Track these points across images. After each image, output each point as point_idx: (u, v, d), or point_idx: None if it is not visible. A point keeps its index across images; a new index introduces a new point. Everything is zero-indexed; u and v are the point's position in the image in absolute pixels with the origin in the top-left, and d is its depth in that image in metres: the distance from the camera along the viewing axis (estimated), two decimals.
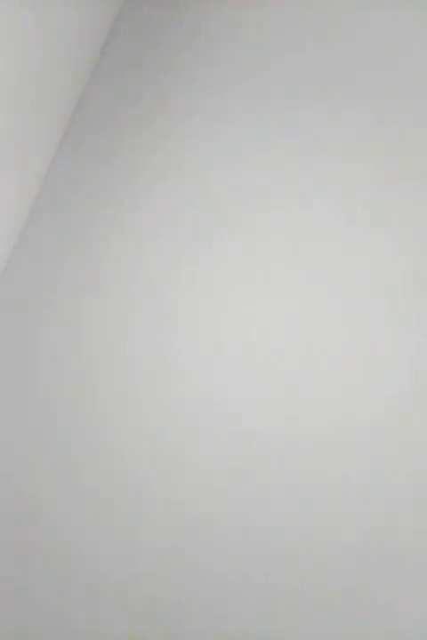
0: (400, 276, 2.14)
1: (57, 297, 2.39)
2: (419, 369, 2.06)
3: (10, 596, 2.22)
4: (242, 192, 2.33)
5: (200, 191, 2.37)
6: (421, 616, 1.92)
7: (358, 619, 1.96)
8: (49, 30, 2.39)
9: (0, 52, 2.25)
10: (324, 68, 2.36)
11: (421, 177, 2.19)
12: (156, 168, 2.43)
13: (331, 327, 2.15)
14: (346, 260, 2.19)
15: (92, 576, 2.16)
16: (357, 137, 2.28)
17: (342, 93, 2.32)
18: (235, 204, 2.32)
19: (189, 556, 2.11)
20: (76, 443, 2.26)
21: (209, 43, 2.50)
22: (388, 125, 2.25)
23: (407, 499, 1.99)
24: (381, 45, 2.32)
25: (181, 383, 2.22)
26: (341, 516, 2.02)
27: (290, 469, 2.08)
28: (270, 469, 2.10)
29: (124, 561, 2.15)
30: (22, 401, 2.34)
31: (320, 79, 2.35)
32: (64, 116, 2.54)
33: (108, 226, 2.42)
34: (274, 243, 2.26)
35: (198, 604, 2.08)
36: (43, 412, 2.31)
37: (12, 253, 2.48)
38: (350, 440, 2.06)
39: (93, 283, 2.38)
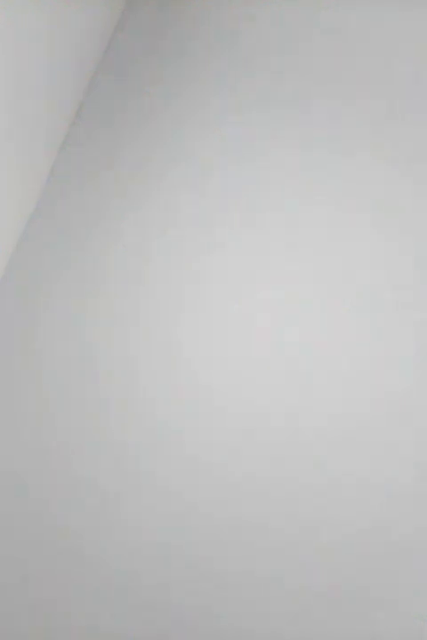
0: (402, 270, 2.14)
1: (61, 291, 2.40)
2: (420, 366, 2.07)
3: (10, 590, 2.22)
4: (246, 187, 2.33)
5: (204, 187, 2.37)
6: (421, 611, 1.92)
7: (358, 613, 1.97)
8: (55, 25, 2.39)
9: (6, 48, 2.26)
10: (327, 64, 2.36)
11: (422, 172, 2.19)
12: (159, 164, 2.43)
13: (332, 321, 2.16)
14: (348, 254, 2.20)
15: (92, 568, 2.17)
16: (359, 133, 2.28)
17: (345, 90, 2.33)
18: (238, 200, 2.32)
19: (189, 549, 2.11)
20: (78, 437, 2.26)
21: (213, 39, 2.50)
22: (390, 122, 2.25)
23: (408, 494, 1.99)
24: (384, 43, 2.32)
25: (184, 378, 2.22)
26: (341, 511, 2.03)
27: (292, 463, 2.09)
28: (272, 463, 2.10)
29: (124, 553, 2.16)
30: (25, 396, 2.34)
31: (323, 76, 2.35)
32: (68, 112, 2.54)
33: (112, 221, 2.42)
34: (278, 238, 2.26)
35: (199, 598, 2.08)
36: (45, 408, 2.31)
37: (16, 247, 2.48)
38: (351, 434, 2.06)
39: (97, 277, 2.38)
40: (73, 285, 2.39)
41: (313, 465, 2.07)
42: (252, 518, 2.09)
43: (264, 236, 2.27)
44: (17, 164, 2.41)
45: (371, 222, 2.20)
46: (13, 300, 2.44)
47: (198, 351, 2.23)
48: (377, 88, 2.29)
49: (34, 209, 2.52)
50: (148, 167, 2.44)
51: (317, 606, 2.00)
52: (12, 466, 2.30)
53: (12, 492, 2.28)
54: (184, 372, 2.23)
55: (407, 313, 2.11)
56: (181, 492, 2.15)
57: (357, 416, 2.07)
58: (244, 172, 2.34)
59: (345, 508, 2.03)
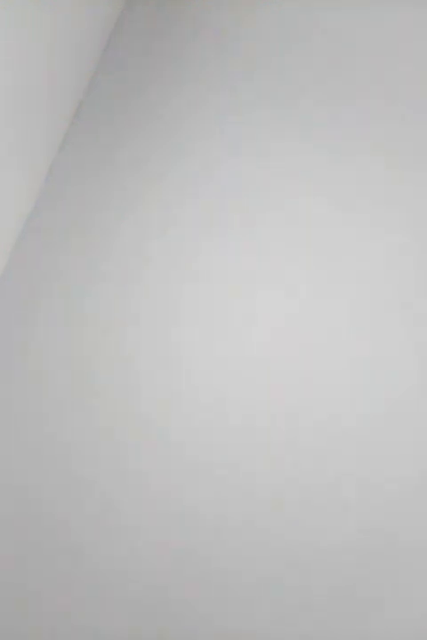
0: (402, 270, 2.15)
1: (59, 290, 2.40)
2: (420, 366, 2.07)
3: (10, 592, 2.22)
4: (246, 187, 2.33)
5: (204, 186, 2.37)
6: (420, 612, 1.92)
7: (358, 613, 1.97)
8: (55, 25, 2.39)
9: (6, 48, 2.26)
10: (327, 64, 2.36)
11: (422, 172, 2.20)
12: (160, 164, 2.44)
13: (333, 322, 2.16)
14: (348, 254, 2.20)
15: (92, 568, 2.17)
16: (359, 133, 2.28)
17: (345, 90, 2.33)
18: (238, 199, 2.33)
19: (189, 549, 2.12)
20: (78, 437, 2.27)
21: (213, 39, 2.50)
22: (390, 122, 2.26)
23: (408, 495, 2.00)
24: (384, 43, 2.32)
25: (183, 377, 2.23)
26: (341, 511, 2.03)
27: (292, 463, 2.09)
28: (272, 464, 2.10)
29: (124, 553, 2.16)
30: (25, 396, 2.34)
31: (323, 76, 2.36)
32: (68, 112, 2.54)
33: (112, 221, 2.42)
34: (277, 238, 2.26)
35: (199, 598, 2.08)
36: (45, 408, 2.32)
37: (15, 247, 2.48)
38: (351, 434, 2.07)
39: (97, 277, 2.38)
40: (73, 285, 2.39)
41: (313, 465, 2.07)
42: (251, 518, 2.09)
43: (264, 235, 2.27)
44: (17, 164, 2.41)
45: (371, 222, 2.20)
46: (13, 299, 2.44)
47: (198, 351, 2.23)
48: (377, 88, 2.29)
49: (33, 208, 2.52)
50: (148, 167, 2.44)
51: (317, 606, 2.00)
52: (11, 466, 2.30)
53: (12, 492, 2.28)
54: (184, 372, 2.23)
55: (407, 313, 2.11)
56: (180, 492, 2.15)
57: (357, 416, 2.07)
58: (244, 172, 2.34)
59: (345, 508, 2.03)
